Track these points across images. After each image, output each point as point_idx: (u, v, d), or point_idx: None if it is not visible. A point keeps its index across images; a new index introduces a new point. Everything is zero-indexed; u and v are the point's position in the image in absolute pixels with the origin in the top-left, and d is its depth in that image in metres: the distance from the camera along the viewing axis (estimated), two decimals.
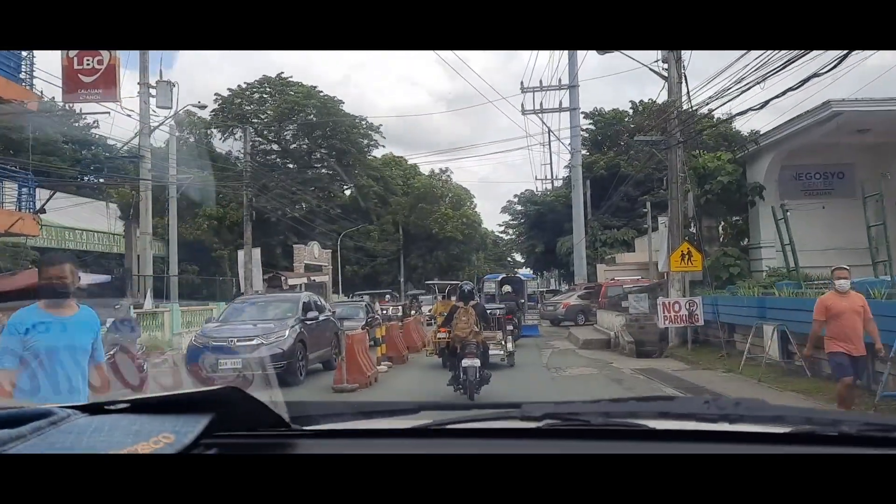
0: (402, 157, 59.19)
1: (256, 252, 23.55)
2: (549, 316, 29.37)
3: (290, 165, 51.91)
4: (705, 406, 1.28)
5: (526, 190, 42.04)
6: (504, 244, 49.89)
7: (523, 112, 36.59)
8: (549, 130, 37.76)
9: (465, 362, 9.15)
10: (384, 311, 21.67)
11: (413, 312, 22.78)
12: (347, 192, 54.57)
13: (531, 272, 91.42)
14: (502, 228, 47.70)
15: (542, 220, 40.28)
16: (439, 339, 12.96)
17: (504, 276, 23.17)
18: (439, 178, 52.81)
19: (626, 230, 37.44)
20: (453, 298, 15.03)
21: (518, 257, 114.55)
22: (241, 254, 23.89)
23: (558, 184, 42.94)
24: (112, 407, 1.08)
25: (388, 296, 28.46)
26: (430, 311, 23.05)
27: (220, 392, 1.08)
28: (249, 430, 1.15)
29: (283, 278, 28.22)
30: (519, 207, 41.11)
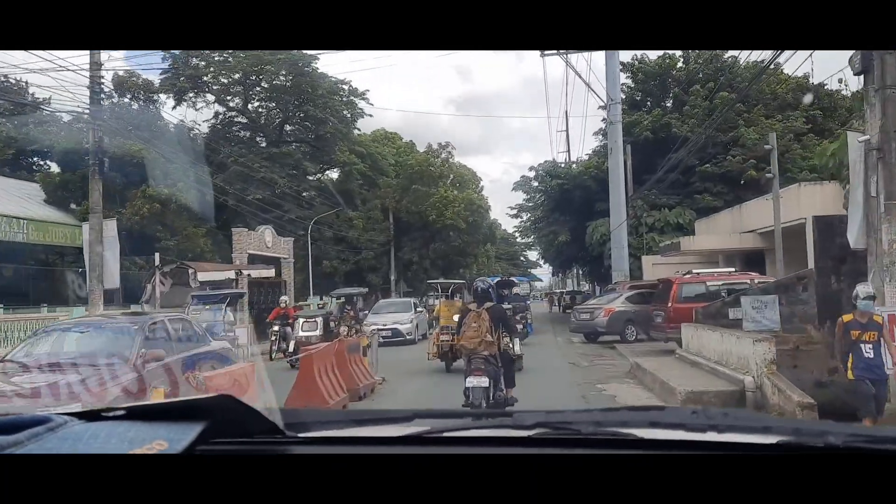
0: (395, 132, 50.02)
1: (110, 226, 14.26)
2: (584, 328, 20.02)
3: (262, 144, 42.92)
4: (694, 416, 1.31)
5: (545, 161, 32.62)
6: (518, 230, 40.25)
7: (542, 53, 27.32)
8: (576, 74, 28.24)
9: (470, 381, 7.09)
10: (276, 330, 12.34)
11: (347, 330, 13.08)
12: (335, 176, 45.42)
13: (550, 270, 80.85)
14: (514, 212, 38.19)
15: (566, 199, 30.89)
16: (442, 341, 12.85)
17: (500, 279, 20.76)
18: (438, 154, 43.45)
19: (682, 210, 27.94)
20: (457, 298, 16.03)
21: (531, 256, 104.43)
22: (85, 228, 14.60)
23: (574, 164, 33.53)
24: (109, 414, 1.10)
25: (228, 304, 14.13)
26: (434, 312, 20.13)
27: (215, 400, 1.10)
28: (244, 437, 1.17)
29: (190, 271, 19.00)
30: (536, 184, 31.76)
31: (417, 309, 20.45)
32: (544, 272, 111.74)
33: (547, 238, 33.67)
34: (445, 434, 1.26)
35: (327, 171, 45.51)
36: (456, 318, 9.04)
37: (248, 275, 22.05)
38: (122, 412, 1.10)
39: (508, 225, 59.31)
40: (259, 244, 27.58)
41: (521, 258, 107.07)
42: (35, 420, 1.01)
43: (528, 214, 34.71)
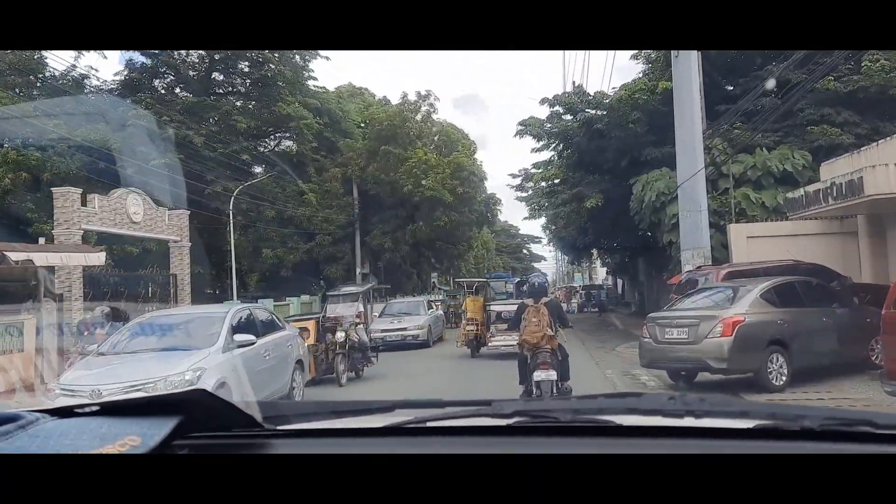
0: (364, 87, 39.57)
1: None
2: (675, 358, 9.56)
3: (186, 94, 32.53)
4: (671, 402, 1.29)
5: (565, 92, 21.99)
6: (523, 203, 29.56)
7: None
8: None
9: (538, 375, 7.31)
10: None
11: None
12: (294, 145, 34.82)
13: (556, 263, 69.43)
14: (518, 179, 27.67)
15: (599, 146, 20.42)
16: (468, 330, 15.07)
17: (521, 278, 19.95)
18: (416, 107, 32.95)
19: (788, 150, 17.49)
20: (481, 294, 16.95)
21: (537, 249, 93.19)
22: None
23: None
24: (81, 410, 1.08)
25: None
26: (462, 306, 19.26)
27: (191, 394, 1.08)
28: (222, 431, 1.15)
29: None
30: (551, 125, 21.31)
31: (238, 325, 7.63)
32: (548, 266, 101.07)
33: (566, 209, 23.14)
34: (426, 424, 1.26)
35: (278, 135, 35.10)
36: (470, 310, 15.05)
37: (21, 262, 11.60)
38: (95, 408, 1.07)
39: (509, 215, 48.54)
40: (116, 217, 17.18)
41: (525, 251, 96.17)
42: (5, 417, 0.98)
43: (541, 171, 24.05)
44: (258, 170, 34.13)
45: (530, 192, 28.32)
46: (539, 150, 21.95)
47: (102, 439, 0.94)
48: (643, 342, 10.01)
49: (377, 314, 18.89)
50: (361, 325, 11.05)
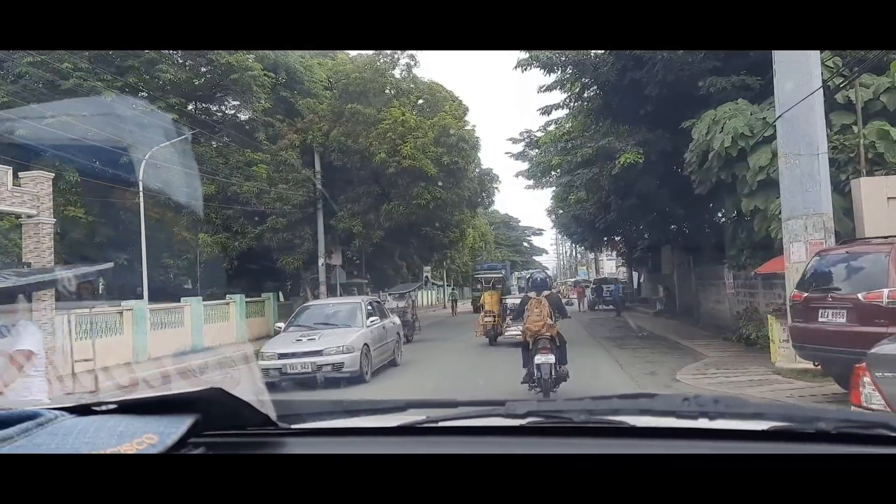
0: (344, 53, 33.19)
1: None
2: None
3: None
4: (685, 403, 1.29)
5: None
6: (524, 175, 23.32)
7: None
8: None
9: (539, 359, 8.41)
10: None
11: None
12: (241, 107, 28.49)
13: (579, 247, 63.27)
14: (520, 148, 21.57)
15: (633, 75, 14.21)
16: (486, 321, 16.94)
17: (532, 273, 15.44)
18: (392, 62, 26.65)
19: None
20: (498, 288, 19.60)
21: (538, 241, 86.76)
22: None
23: None
24: (99, 408, 1.09)
25: None
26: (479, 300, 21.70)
27: (206, 393, 1.08)
28: (236, 430, 1.16)
29: None
30: (566, 57, 15.16)
31: None
32: (550, 259, 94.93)
33: (587, 172, 16.98)
34: (439, 424, 1.26)
35: (224, 96, 28.83)
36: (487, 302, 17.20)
37: None
38: (113, 406, 1.08)
39: (509, 208, 42.32)
40: None
41: (525, 244, 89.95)
42: (25, 415, 0.99)
43: (554, 124, 17.82)
44: (211, 139, 28.00)
45: (536, 159, 22.10)
46: (550, 87, 15.64)
47: (120, 437, 0.95)
48: None
49: (282, 326, 12.23)
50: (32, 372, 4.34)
